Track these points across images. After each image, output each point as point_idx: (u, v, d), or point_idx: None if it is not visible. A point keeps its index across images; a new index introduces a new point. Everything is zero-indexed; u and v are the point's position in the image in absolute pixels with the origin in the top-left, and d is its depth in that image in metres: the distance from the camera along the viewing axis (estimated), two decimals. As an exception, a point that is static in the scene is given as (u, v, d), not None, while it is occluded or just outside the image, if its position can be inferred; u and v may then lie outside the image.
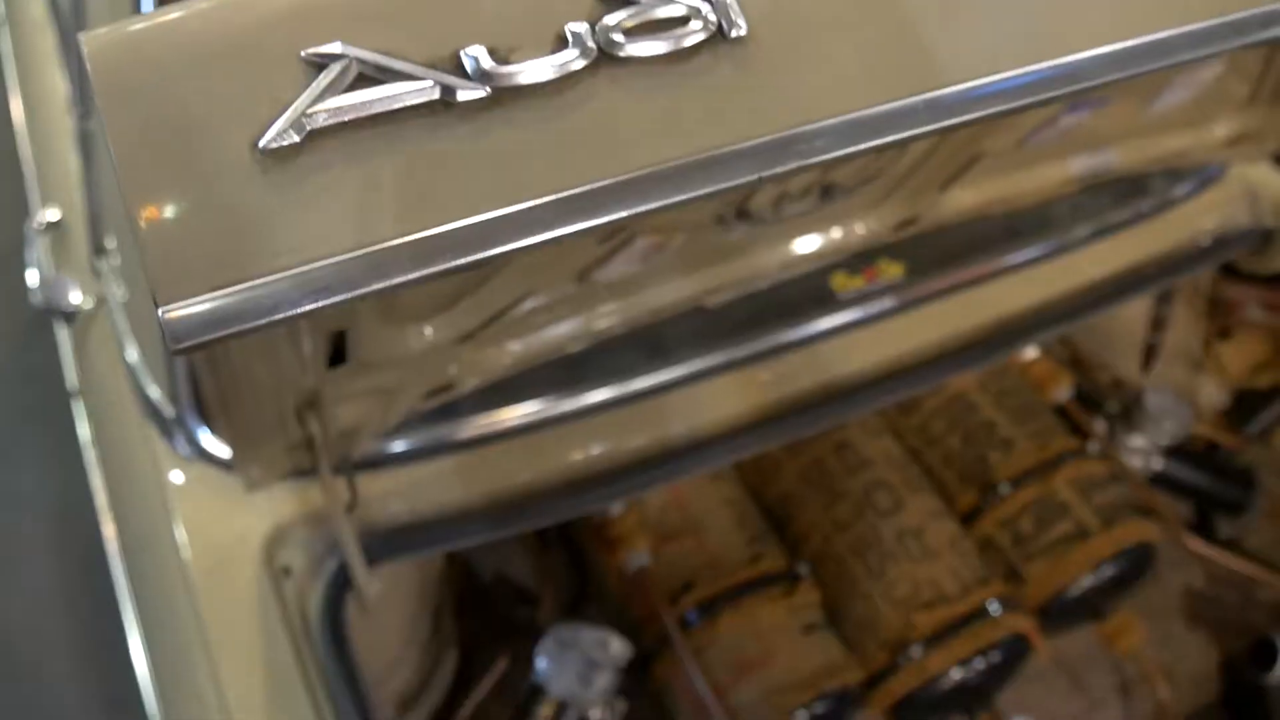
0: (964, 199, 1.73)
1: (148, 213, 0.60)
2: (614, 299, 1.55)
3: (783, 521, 2.09)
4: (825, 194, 1.49)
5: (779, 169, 0.68)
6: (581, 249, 1.29)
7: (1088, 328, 2.48)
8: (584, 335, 1.57)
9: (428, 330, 1.29)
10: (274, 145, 0.61)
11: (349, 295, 0.61)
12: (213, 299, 0.59)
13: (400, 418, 1.51)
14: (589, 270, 1.39)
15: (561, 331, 1.56)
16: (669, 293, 1.58)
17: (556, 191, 0.65)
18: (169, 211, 0.60)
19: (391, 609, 1.92)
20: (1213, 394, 2.54)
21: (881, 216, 1.67)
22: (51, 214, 2.04)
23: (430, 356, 1.34)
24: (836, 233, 1.67)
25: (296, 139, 0.61)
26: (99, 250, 1.81)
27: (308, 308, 0.60)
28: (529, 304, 1.43)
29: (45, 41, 2.26)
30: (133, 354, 1.67)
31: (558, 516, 1.64)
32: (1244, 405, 2.47)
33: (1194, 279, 2.45)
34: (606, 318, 1.56)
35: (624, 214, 0.66)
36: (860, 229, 1.68)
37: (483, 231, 0.64)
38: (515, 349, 1.52)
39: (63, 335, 2.09)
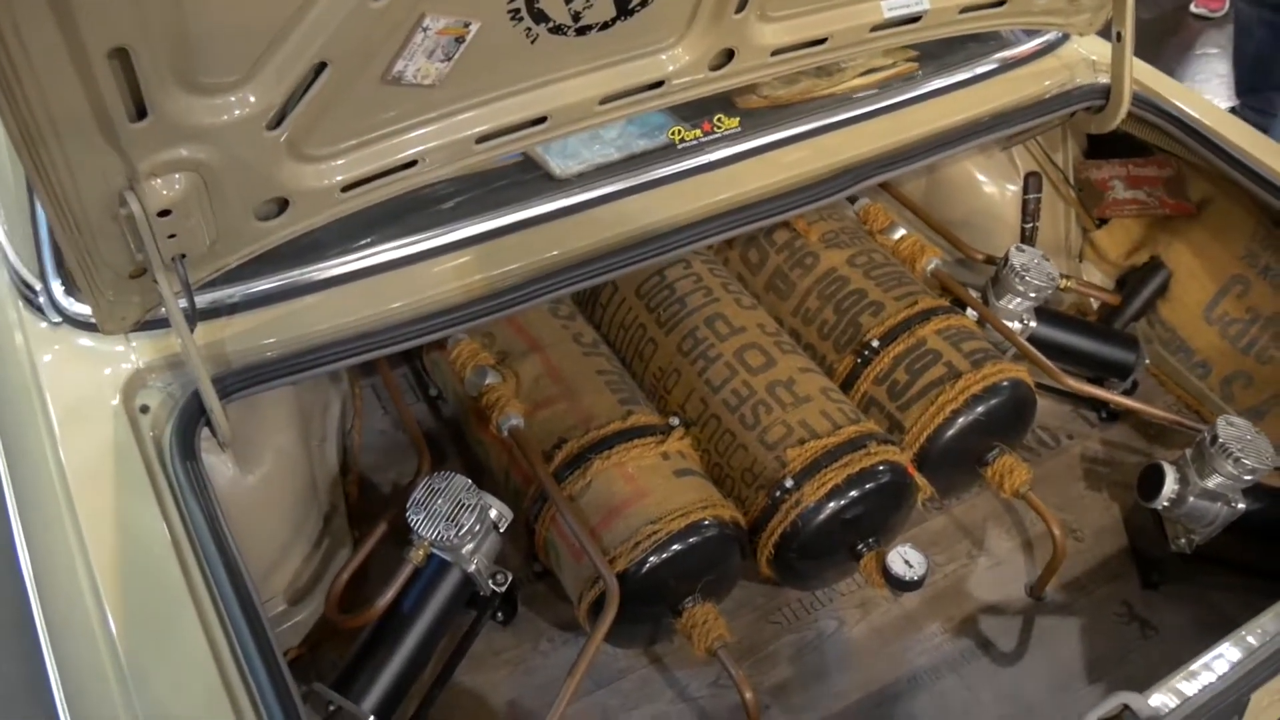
0: (776, 35, 1.84)
1: None
2: (437, 121, 1.65)
3: (663, 396, 2.13)
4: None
5: None
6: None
7: (966, 224, 2.56)
8: (416, 160, 1.66)
9: (231, 100, 1.38)
10: None
11: None
12: None
13: (240, 241, 1.59)
14: (390, 66, 1.48)
15: (391, 157, 1.65)
16: (491, 115, 1.68)
17: None
18: None
19: (277, 495, 1.96)
20: (1095, 279, 2.60)
21: (693, 47, 1.77)
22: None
23: (241, 137, 1.42)
24: (653, 65, 1.77)
25: None
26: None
27: None
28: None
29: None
30: (7, 248, 1.78)
31: (406, 343, 1.71)
32: (1127, 285, 2.53)
33: (1061, 169, 2.55)
34: (433, 141, 1.66)
35: None
36: (675, 64, 1.78)
37: None
38: (339, 174, 1.61)
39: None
